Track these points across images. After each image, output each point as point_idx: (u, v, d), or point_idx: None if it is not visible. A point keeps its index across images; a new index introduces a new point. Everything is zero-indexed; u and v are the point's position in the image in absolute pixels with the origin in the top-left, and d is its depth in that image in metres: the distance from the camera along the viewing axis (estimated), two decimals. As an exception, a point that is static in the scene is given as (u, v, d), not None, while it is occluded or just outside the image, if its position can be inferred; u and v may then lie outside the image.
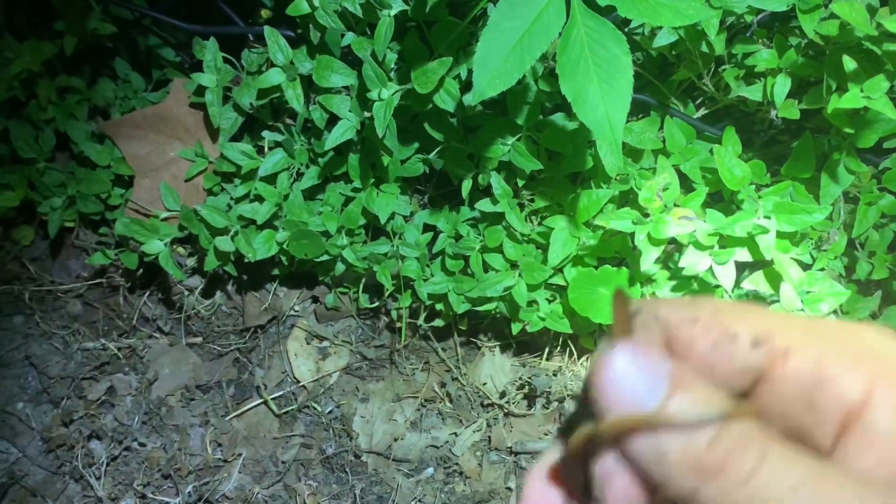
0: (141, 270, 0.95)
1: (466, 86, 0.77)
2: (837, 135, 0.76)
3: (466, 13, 0.73)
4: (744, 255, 0.77)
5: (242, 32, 0.86)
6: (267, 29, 0.79)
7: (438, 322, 0.94)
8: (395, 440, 0.93)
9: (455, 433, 0.94)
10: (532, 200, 0.85)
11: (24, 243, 0.97)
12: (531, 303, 0.86)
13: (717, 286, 0.80)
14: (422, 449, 0.93)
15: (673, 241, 0.78)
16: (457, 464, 0.92)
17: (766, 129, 0.85)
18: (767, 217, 0.76)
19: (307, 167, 0.89)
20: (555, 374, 0.95)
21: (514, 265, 0.85)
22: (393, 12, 0.72)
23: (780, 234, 0.76)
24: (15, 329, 0.95)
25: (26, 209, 0.93)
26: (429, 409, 0.95)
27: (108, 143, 0.91)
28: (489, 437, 0.93)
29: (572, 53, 0.59)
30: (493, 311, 0.89)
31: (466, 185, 0.85)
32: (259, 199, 0.87)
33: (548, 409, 0.95)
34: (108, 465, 0.89)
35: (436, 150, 0.85)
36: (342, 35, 0.78)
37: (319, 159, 0.88)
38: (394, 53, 0.77)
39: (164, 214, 0.88)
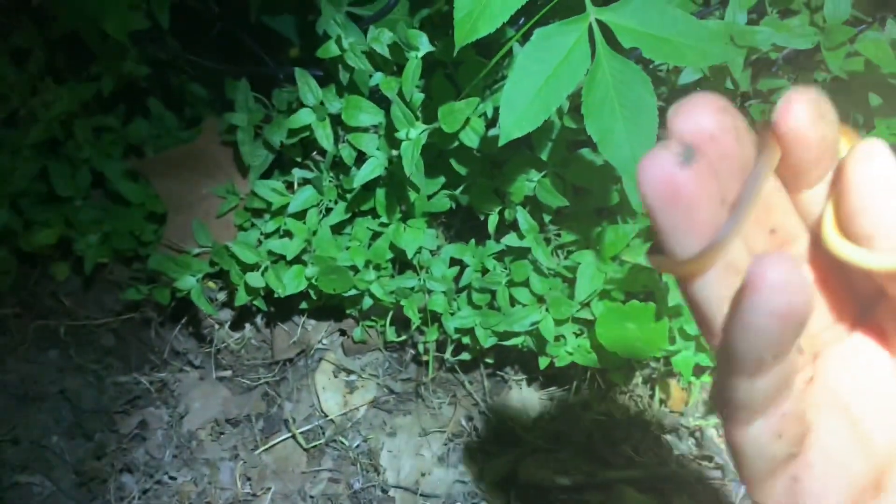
0: (173, 304, 0.96)
1: (492, 122, 0.78)
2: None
3: (493, 52, 0.74)
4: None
5: (273, 73, 0.88)
6: (298, 71, 0.81)
7: (465, 356, 0.95)
8: (423, 475, 0.93)
9: (483, 468, 0.94)
10: (559, 235, 0.86)
11: (59, 279, 0.99)
12: (558, 337, 0.86)
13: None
14: (449, 484, 0.93)
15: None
16: (485, 500, 0.92)
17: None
18: (796, 252, 0.75)
19: (335, 203, 0.90)
20: (583, 409, 0.94)
21: (540, 299, 0.86)
22: (420, 54, 0.74)
23: (809, 269, 0.76)
24: (50, 363, 0.97)
25: (62, 245, 0.96)
26: (456, 444, 0.95)
27: (142, 180, 0.93)
28: (517, 472, 0.93)
29: (598, 94, 0.60)
30: (520, 346, 0.89)
31: (493, 220, 0.86)
32: (288, 234, 0.89)
33: (576, 443, 0.95)
34: (139, 498, 0.90)
35: (462, 186, 0.86)
36: (370, 75, 0.79)
37: (347, 195, 0.89)
38: (420, 93, 0.78)
39: (196, 250, 0.90)
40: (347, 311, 0.97)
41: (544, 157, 0.78)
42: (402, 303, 0.90)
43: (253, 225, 0.92)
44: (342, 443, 0.95)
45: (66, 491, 0.91)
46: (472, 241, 0.91)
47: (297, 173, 0.90)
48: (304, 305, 0.96)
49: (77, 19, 0.79)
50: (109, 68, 0.87)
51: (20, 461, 0.92)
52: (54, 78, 0.91)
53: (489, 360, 0.97)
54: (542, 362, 0.89)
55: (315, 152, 0.91)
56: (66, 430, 0.94)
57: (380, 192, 0.87)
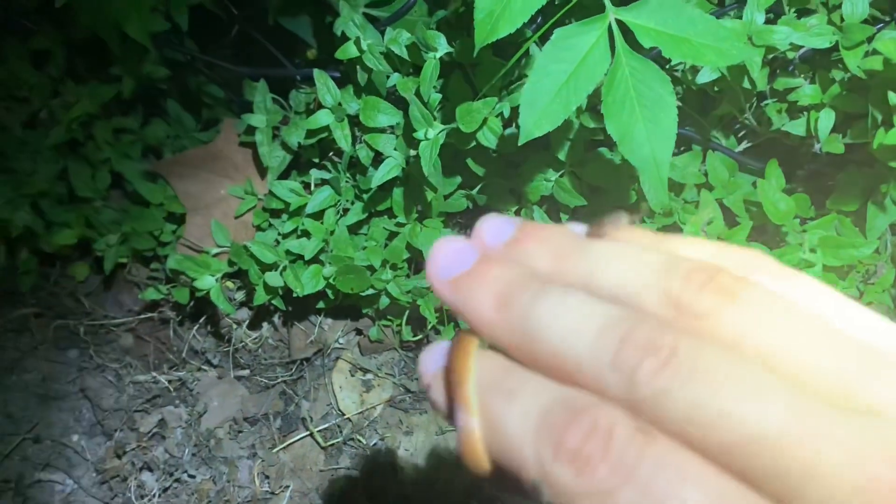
0: (191, 303, 0.97)
1: (508, 122, 0.78)
2: (884, 167, 0.76)
3: (510, 53, 0.75)
4: (790, 288, 0.76)
5: (290, 75, 0.89)
6: (316, 72, 0.81)
7: (481, 355, 0.95)
8: (440, 474, 0.94)
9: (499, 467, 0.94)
10: (575, 234, 0.86)
11: (78, 279, 1.00)
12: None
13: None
14: (466, 483, 0.93)
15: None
16: (500, 499, 0.92)
17: (810, 161, 0.85)
18: (813, 251, 0.76)
19: (352, 203, 0.91)
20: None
21: (557, 299, 0.86)
22: (438, 54, 0.74)
23: (826, 268, 0.76)
24: (70, 363, 0.98)
25: (81, 246, 0.97)
26: (473, 443, 0.96)
27: (161, 181, 0.94)
28: (533, 470, 0.93)
29: (617, 94, 0.60)
30: (536, 345, 0.89)
31: (509, 220, 0.86)
32: (306, 234, 0.89)
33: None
34: (159, 496, 0.91)
35: (478, 186, 0.86)
36: (388, 76, 0.80)
37: (364, 195, 0.90)
38: (437, 93, 0.79)
39: (215, 250, 0.91)
40: (364, 311, 0.98)
41: (562, 156, 0.79)
42: (419, 302, 0.90)
43: (270, 225, 0.93)
44: (359, 441, 0.96)
45: (88, 489, 0.92)
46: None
47: (315, 174, 0.90)
48: (321, 305, 0.96)
49: (99, 21, 0.79)
50: (130, 70, 0.88)
51: (42, 459, 0.93)
52: (74, 80, 0.92)
53: (505, 360, 0.97)
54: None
55: (332, 153, 0.91)
56: (87, 428, 0.95)
57: (397, 192, 0.88)
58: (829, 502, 0.18)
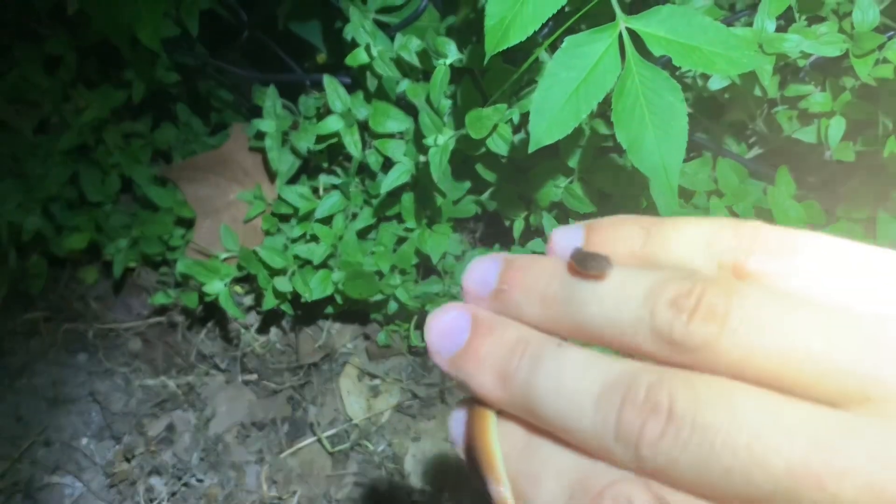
0: (200, 308, 0.97)
1: (518, 128, 0.78)
2: (895, 175, 0.76)
3: (520, 59, 0.75)
4: (800, 296, 0.76)
5: (300, 80, 0.89)
6: (326, 77, 0.81)
7: (489, 360, 0.95)
8: (448, 480, 0.94)
9: (506, 472, 0.94)
10: (583, 241, 0.86)
11: (88, 283, 1.00)
12: (583, 343, 0.86)
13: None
14: (473, 489, 0.93)
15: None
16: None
17: (821, 168, 0.85)
18: (824, 258, 0.75)
19: (361, 208, 0.91)
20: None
21: (565, 305, 0.86)
22: (449, 61, 0.74)
23: (837, 276, 0.76)
24: (79, 366, 0.98)
25: (91, 250, 0.97)
26: (481, 449, 0.95)
27: (171, 186, 0.95)
28: (541, 476, 0.93)
29: (627, 102, 0.60)
30: (544, 351, 0.89)
31: (518, 226, 0.86)
32: (315, 239, 0.89)
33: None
34: (167, 500, 0.91)
35: (488, 192, 0.86)
36: (398, 82, 0.80)
37: (373, 200, 0.90)
38: (447, 99, 0.79)
39: (224, 255, 0.91)
40: (372, 316, 0.98)
41: (572, 163, 0.79)
42: (427, 307, 0.90)
43: (279, 230, 0.93)
44: (367, 447, 0.96)
45: (97, 492, 0.92)
46: (497, 246, 0.91)
47: (324, 179, 0.90)
48: (329, 310, 0.96)
49: (111, 27, 0.80)
50: (140, 75, 0.89)
51: (51, 462, 0.93)
52: (86, 84, 0.92)
53: (513, 365, 0.97)
54: (567, 367, 0.88)
55: (341, 158, 0.91)
56: (96, 432, 0.95)
57: (406, 198, 0.88)
58: None
